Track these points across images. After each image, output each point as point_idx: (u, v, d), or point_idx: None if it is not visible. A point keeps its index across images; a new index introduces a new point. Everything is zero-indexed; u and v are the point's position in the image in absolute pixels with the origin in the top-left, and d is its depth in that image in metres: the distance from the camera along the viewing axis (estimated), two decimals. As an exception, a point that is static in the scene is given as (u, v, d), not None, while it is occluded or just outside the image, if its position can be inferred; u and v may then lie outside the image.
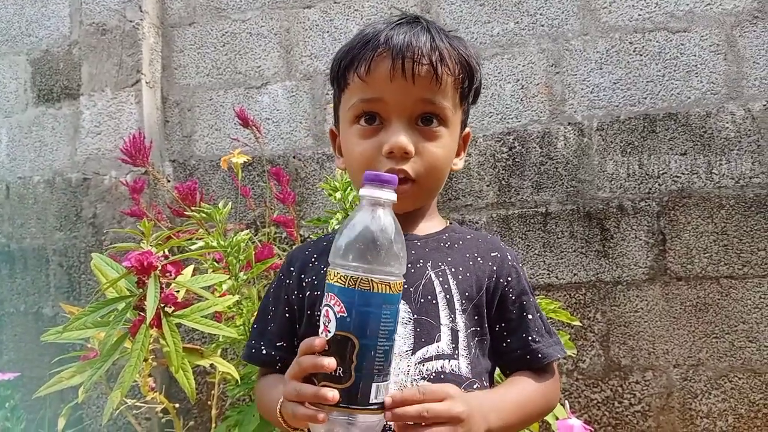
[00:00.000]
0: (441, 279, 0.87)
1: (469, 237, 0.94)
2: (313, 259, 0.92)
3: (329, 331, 0.68)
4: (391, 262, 0.68)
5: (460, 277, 0.87)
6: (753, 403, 1.96)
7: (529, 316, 0.89)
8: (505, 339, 0.88)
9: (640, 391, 2.04)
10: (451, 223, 0.98)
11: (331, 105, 2.44)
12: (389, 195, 0.69)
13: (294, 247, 1.19)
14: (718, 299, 2.00)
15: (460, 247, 0.91)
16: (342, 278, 0.67)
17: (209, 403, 1.65)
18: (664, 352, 2.03)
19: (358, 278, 0.66)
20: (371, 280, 0.66)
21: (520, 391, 0.86)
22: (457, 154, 0.96)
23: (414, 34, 0.85)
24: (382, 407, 0.68)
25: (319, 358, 0.68)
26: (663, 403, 2.03)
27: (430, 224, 0.94)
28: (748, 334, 1.97)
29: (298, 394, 0.69)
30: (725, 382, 1.98)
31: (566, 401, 1.59)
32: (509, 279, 0.89)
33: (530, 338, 0.88)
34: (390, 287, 0.67)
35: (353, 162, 0.90)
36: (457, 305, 0.85)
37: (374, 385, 0.67)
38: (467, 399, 0.74)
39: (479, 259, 0.90)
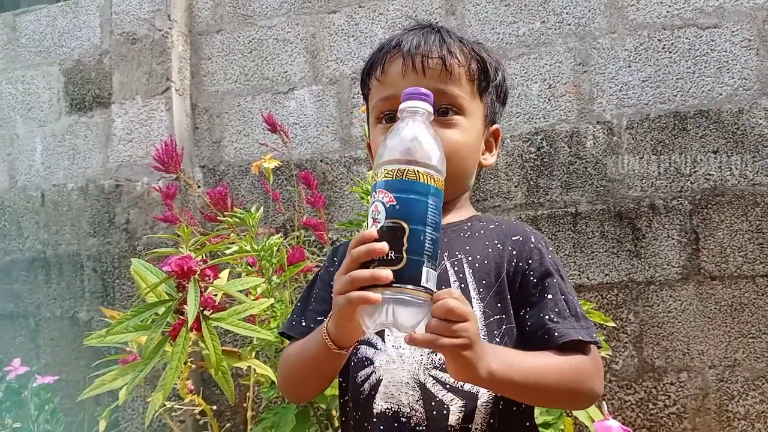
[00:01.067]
0: (456, 269, 0.87)
1: (492, 226, 0.93)
2: None
3: (379, 222, 0.71)
4: (432, 158, 0.72)
5: (477, 265, 0.87)
6: (792, 404, 1.92)
7: (549, 296, 0.86)
8: (527, 322, 0.86)
9: (675, 392, 2.02)
10: (482, 214, 0.99)
11: (358, 108, 2.46)
12: (426, 106, 0.74)
13: (337, 244, 1.21)
14: (754, 299, 1.97)
15: (480, 235, 0.91)
16: (389, 172, 0.71)
17: (244, 405, 1.67)
18: (699, 352, 2.00)
19: (405, 170, 0.71)
20: (417, 171, 0.70)
21: (534, 356, 0.82)
22: (489, 150, 0.98)
23: (423, 35, 0.91)
24: (430, 294, 0.70)
25: (372, 244, 0.70)
26: (699, 404, 2.00)
27: (456, 215, 0.95)
28: (786, 333, 1.94)
29: (352, 280, 0.70)
30: (763, 383, 1.95)
31: (604, 403, 1.57)
32: (530, 261, 0.87)
33: (547, 318, 0.84)
34: (435, 180, 0.71)
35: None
36: (473, 294, 0.85)
37: (425, 269, 0.69)
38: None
39: (498, 245, 0.89)
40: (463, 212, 0.96)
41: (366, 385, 0.86)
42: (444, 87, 0.88)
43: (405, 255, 0.69)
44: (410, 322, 0.70)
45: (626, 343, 2.06)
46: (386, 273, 0.68)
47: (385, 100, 0.91)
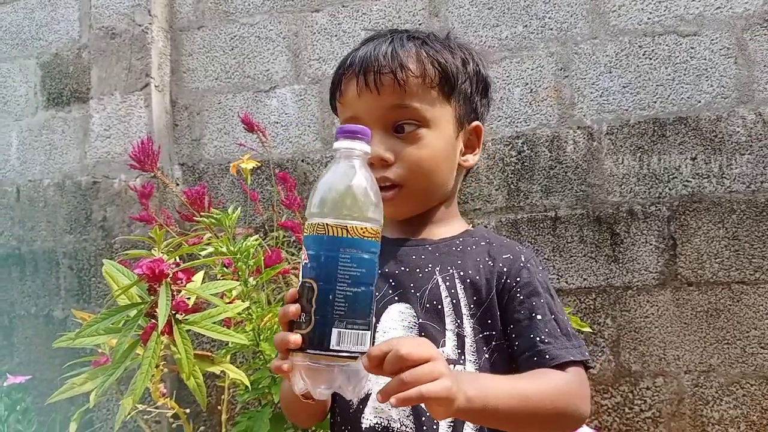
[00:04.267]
0: (448, 284, 0.86)
1: (484, 242, 0.91)
2: None
3: (300, 280, 0.70)
4: (350, 207, 0.68)
5: (468, 281, 0.86)
6: (765, 410, 1.95)
7: (538, 317, 0.84)
8: (515, 342, 0.84)
9: (650, 397, 2.03)
10: (473, 227, 0.97)
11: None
12: (352, 144, 0.70)
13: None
14: (730, 305, 1.99)
15: (472, 251, 0.90)
16: (306, 227, 0.69)
17: (219, 407, 1.65)
18: (675, 357, 2.02)
19: (315, 224, 0.68)
20: (326, 224, 0.67)
21: (517, 379, 0.79)
22: (471, 149, 0.95)
23: (375, 47, 0.89)
24: (351, 355, 0.67)
25: (286, 306, 0.70)
26: (674, 409, 2.01)
27: (448, 229, 0.93)
28: (760, 340, 1.96)
29: (274, 339, 0.71)
30: (737, 389, 1.97)
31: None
32: (518, 280, 0.86)
33: (538, 339, 0.82)
34: (347, 231, 0.67)
35: None
36: (465, 310, 0.85)
37: (335, 331, 0.66)
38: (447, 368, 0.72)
39: (490, 262, 0.88)
40: (455, 226, 0.95)
41: (354, 399, 0.85)
42: (400, 102, 0.87)
43: (313, 317, 0.66)
44: (323, 388, 0.68)
45: (603, 347, 2.07)
46: (294, 338, 0.67)
47: (346, 121, 0.91)
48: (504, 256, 0.88)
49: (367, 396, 0.84)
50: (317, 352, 0.66)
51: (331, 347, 0.66)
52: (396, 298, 0.87)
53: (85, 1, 2.67)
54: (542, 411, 0.77)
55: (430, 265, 0.88)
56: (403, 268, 0.88)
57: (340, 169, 0.70)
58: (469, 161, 0.95)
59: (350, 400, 0.84)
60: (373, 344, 0.79)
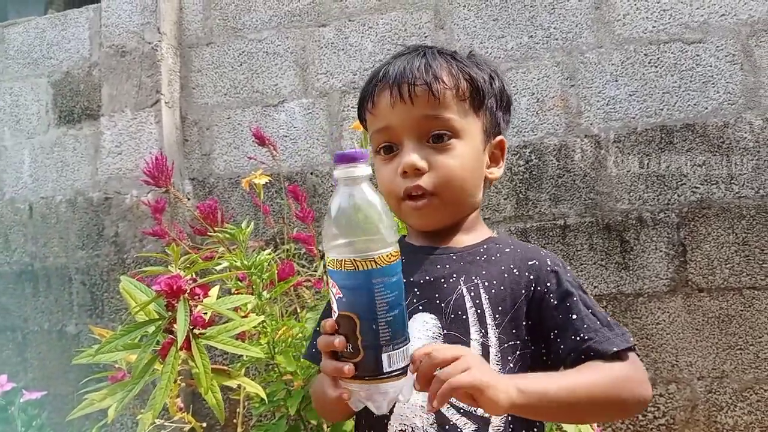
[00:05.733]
0: (473, 294, 0.86)
1: (508, 249, 0.92)
2: None
3: (335, 312, 0.72)
4: (370, 236, 0.69)
5: (493, 291, 0.86)
6: (779, 415, 1.94)
7: (574, 316, 0.84)
8: (559, 346, 0.84)
9: (663, 404, 2.03)
10: (497, 234, 0.98)
11: (348, 122, 2.47)
12: (362, 171, 0.71)
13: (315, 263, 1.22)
14: (741, 310, 1.99)
15: (497, 259, 0.90)
16: (331, 262, 0.70)
17: (234, 421, 1.66)
18: (688, 364, 2.02)
19: (342, 260, 0.69)
20: (354, 260, 0.68)
21: (565, 373, 0.80)
22: (495, 162, 0.97)
23: (409, 61, 0.91)
24: (403, 371, 0.70)
25: (330, 338, 0.72)
26: (688, 416, 2.01)
27: (471, 236, 0.94)
28: (773, 345, 1.96)
29: (324, 369, 0.74)
30: (751, 395, 1.97)
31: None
32: (548, 285, 0.87)
33: (579, 337, 0.82)
34: (375, 262, 0.68)
35: (380, 189, 0.94)
36: (489, 320, 0.85)
37: (385, 356, 0.69)
38: (483, 366, 0.74)
39: (515, 270, 0.88)
40: (478, 233, 0.96)
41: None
42: (434, 112, 0.88)
43: (361, 348, 0.69)
44: (385, 404, 0.71)
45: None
46: (348, 368, 0.70)
47: (379, 132, 0.92)
48: (529, 263, 0.89)
49: (394, 403, 0.86)
50: (373, 377, 0.69)
51: (384, 371, 0.69)
52: (420, 307, 0.87)
53: (95, 20, 2.71)
54: (596, 400, 0.77)
55: (454, 275, 0.89)
56: (428, 278, 0.89)
57: (352, 199, 0.70)
58: (494, 174, 0.97)
59: None
60: None
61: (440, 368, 0.70)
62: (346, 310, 0.70)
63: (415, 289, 0.89)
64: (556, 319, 0.85)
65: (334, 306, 0.72)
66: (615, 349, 0.80)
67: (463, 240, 0.94)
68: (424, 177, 0.88)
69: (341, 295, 0.70)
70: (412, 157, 0.87)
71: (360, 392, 0.70)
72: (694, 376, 2.01)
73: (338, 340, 0.71)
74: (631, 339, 0.84)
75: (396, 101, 0.89)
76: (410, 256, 0.94)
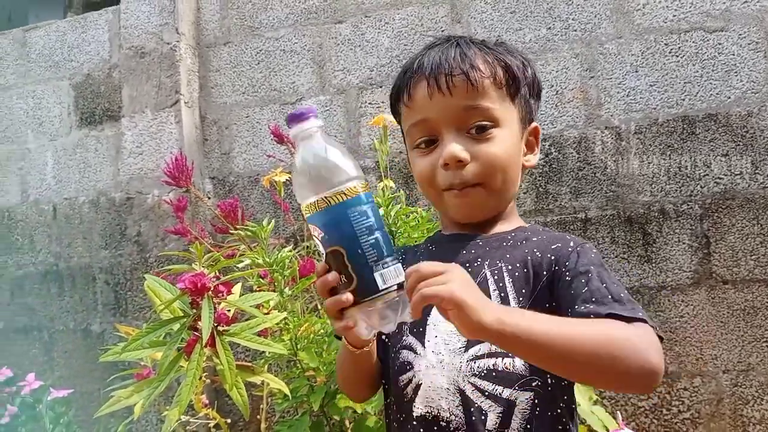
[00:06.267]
0: (496, 277, 0.86)
1: (535, 238, 0.91)
2: (402, 258, 0.99)
3: (322, 253, 0.77)
4: (335, 175, 0.75)
5: (516, 274, 0.86)
6: (808, 409, 1.91)
7: (585, 289, 0.80)
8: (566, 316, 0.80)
9: (688, 398, 2.01)
10: (528, 225, 0.97)
11: (366, 118, 2.47)
12: (312, 124, 0.76)
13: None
14: (767, 302, 1.96)
15: (522, 245, 0.90)
16: (307, 208, 0.76)
17: (258, 417, 1.68)
18: (713, 357, 1.99)
19: (316, 202, 0.75)
20: (326, 197, 0.74)
21: (557, 319, 0.74)
22: (530, 150, 0.96)
23: (443, 52, 0.90)
24: (400, 286, 0.74)
25: (324, 277, 0.75)
26: (713, 409, 1.99)
27: (503, 225, 0.94)
28: (801, 337, 1.92)
29: (326, 308, 0.77)
30: (778, 387, 1.94)
31: (619, 412, 1.57)
32: (567, 264, 0.84)
33: (583, 307, 0.78)
34: (344, 195, 0.74)
35: (418, 182, 0.95)
36: (513, 302, 0.84)
37: (377, 275, 0.73)
38: (470, 285, 0.72)
39: (538, 254, 0.87)
40: (510, 223, 0.95)
41: (408, 389, 0.88)
42: (473, 102, 0.88)
43: (354, 274, 0.73)
44: (392, 319, 0.75)
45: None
46: (346, 297, 0.73)
47: (416, 125, 0.91)
48: (553, 247, 0.87)
49: (418, 386, 0.87)
50: (371, 297, 0.73)
51: (380, 288, 0.73)
52: None
53: (115, 22, 2.74)
54: (586, 352, 0.70)
55: (479, 260, 0.89)
56: (453, 263, 0.90)
57: (310, 149, 0.76)
58: (530, 161, 0.96)
59: (405, 391, 0.88)
60: (424, 335, 0.88)
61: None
62: (331, 245, 0.74)
63: None
64: (568, 295, 0.82)
65: (321, 249, 0.76)
66: (618, 313, 0.75)
67: (495, 229, 0.93)
68: (468, 167, 0.87)
69: (323, 234, 0.75)
70: (455, 148, 0.87)
71: (363, 316, 0.74)
72: (720, 369, 1.99)
73: (332, 275, 0.74)
74: (645, 315, 0.77)
75: (434, 92, 0.88)
76: (439, 245, 0.97)
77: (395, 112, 0.99)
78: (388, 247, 0.75)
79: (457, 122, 0.88)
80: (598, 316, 0.76)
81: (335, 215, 0.74)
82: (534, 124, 0.97)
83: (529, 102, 0.95)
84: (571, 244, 0.87)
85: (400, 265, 0.75)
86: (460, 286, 0.69)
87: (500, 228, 0.94)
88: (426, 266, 0.71)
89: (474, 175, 0.88)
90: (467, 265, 0.88)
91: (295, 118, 0.76)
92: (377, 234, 0.74)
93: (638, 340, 0.73)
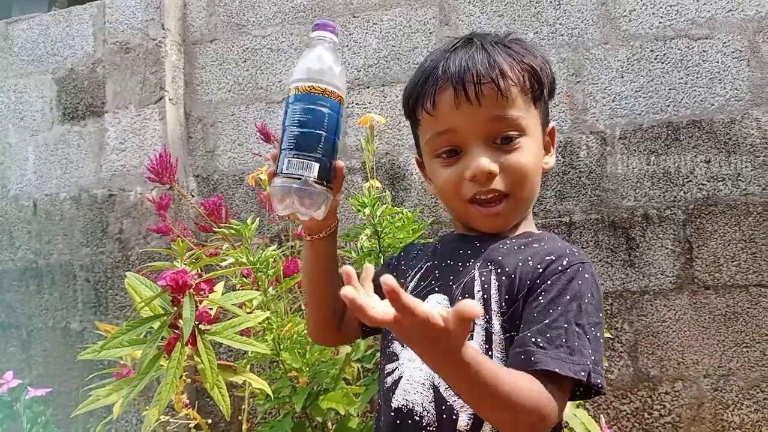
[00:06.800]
0: (483, 278, 0.84)
1: (536, 244, 0.87)
2: (414, 253, 1.02)
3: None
4: (328, 75, 0.86)
5: (504, 278, 0.83)
6: (786, 413, 1.93)
7: (546, 320, 0.76)
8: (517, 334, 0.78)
9: (669, 402, 2.02)
10: (538, 231, 0.94)
11: (353, 118, 2.45)
12: (327, 35, 0.89)
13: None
14: (748, 308, 1.98)
15: (519, 250, 0.86)
16: (293, 89, 0.87)
17: (239, 417, 1.66)
18: (694, 362, 2.01)
19: (304, 86, 0.86)
20: (311, 86, 0.85)
21: (497, 366, 0.70)
22: (547, 151, 0.94)
23: (470, 57, 0.85)
24: (297, 176, 0.83)
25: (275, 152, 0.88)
26: (694, 414, 2.00)
27: (511, 230, 0.92)
28: (780, 342, 1.95)
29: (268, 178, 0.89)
30: (757, 393, 1.96)
31: (602, 415, 1.57)
32: (548, 280, 0.80)
33: (533, 339, 0.74)
34: (298, 89, 0.85)
35: (441, 192, 0.92)
36: (495, 306, 0.82)
37: (284, 158, 0.84)
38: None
39: (530, 262, 0.83)
40: (519, 227, 0.93)
41: (389, 379, 0.88)
42: (502, 113, 0.84)
43: (279, 152, 0.86)
44: (295, 207, 0.85)
45: (621, 352, 2.06)
46: (271, 169, 0.87)
47: (441, 134, 0.88)
48: (547, 257, 0.83)
49: (399, 378, 0.87)
50: (278, 174, 0.84)
51: (283, 171, 0.84)
52: (436, 288, 0.88)
53: (99, 17, 2.71)
54: (497, 390, 0.67)
55: (472, 260, 0.88)
56: (449, 262, 0.90)
57: (324, 51, 0.88)
58: (549, 163, 0.94)
59: (386, 380, 0.88)
60: None
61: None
62: (281, 124, 0.87)
63: (436, 272, 0.90)
64: (530, 313, 0.78)
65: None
66: (556, 370, 0.72)
67: (507, 233, 0.91)
68: (497, 179, 0.85)
69: (286, 114, 0.86)
70: (484, 162, 0.84)
71: (272, 190, 0.85)
72: (701, 373, 2.00)
73: (275, 150, 0.87)
74: (583, 374, 0.74)
75: (461, 102, 0.84)
76: (443, 244, 0.97)
77: (412, 116, 0.94)
78: (311, 146, 0.83)
79: (485, 133, 0.85)
80: (534, 362, 0.73)
81: (288, 103, 0.86)
82: (551, 125, 0.95)
83: (547, 103, 0.93)
84: (565, 262, 0.82)
85: (316, 165, 0.83)
86: (407, 340, 0.64)
87: (510, 233, 0.91)
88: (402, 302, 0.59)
89: (503, 186, 0.86)
90: (460, 264, 0.88)
91: (325, 27, 0.89)
92: (305, 130, 0.83)
93: (534, 398, 0.70)
